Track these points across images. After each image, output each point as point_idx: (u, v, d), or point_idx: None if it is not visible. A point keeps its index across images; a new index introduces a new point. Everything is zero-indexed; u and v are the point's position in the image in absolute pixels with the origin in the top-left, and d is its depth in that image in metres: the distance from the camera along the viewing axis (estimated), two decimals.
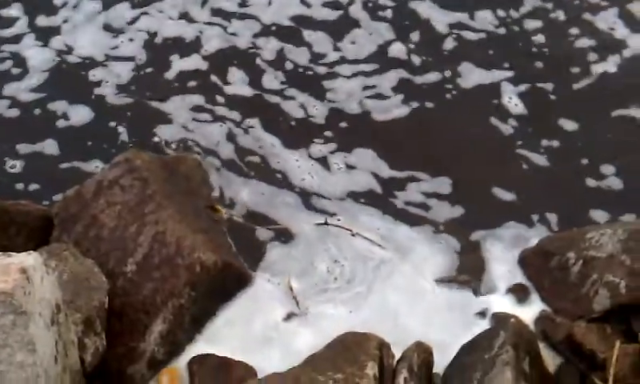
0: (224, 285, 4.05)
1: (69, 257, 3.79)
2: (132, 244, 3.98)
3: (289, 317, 4.05)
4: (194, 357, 3.85)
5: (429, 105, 5.11)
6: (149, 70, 5.45)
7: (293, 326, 4.02)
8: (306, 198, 4.63)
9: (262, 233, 4.42)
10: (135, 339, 3.79)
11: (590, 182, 4.65)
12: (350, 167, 4.79)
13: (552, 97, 5.11)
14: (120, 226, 4.06)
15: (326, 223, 4.41)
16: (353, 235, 4.37)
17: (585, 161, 4.76)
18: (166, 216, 4.04)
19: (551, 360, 3.79)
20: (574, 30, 5.54)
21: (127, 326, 3.82)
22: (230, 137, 4.99)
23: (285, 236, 4.42)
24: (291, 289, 4.14)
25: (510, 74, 5.25)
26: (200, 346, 3.91)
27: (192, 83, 5.34)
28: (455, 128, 4.96)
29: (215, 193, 4.60)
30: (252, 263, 4.27)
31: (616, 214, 4.45)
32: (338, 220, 4.46)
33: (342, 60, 5.41)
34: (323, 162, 4.83)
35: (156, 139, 4.94)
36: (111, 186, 4.20)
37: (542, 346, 3.78)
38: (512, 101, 5.08)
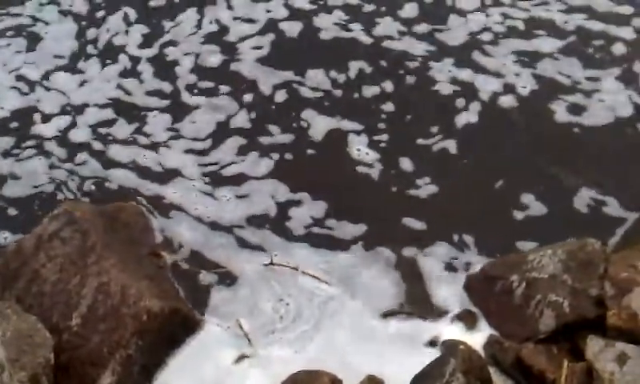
0: (172, 331, 4.01)
1: (11, 314, 3.72)
2: (75, 297, 3.93)
3: (239, 359, 4.03)
4: None
5: (288, 157, 5.11)
6: None
7: (243, 369, 3.99)
8: (238, 234, 4.64)
9: (207, 275, 4.39)
10: None
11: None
12: (240, 197, 4.86)
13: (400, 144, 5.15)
14: (62, 280, 4.00)
15: (271, 263, 4.41)
16: (296, 269, 4.38)
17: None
18: (109, 266, 3.99)
19: None
20: (412, 82, 5.57)
21: (75, 381, 3.77)
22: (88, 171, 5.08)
23: (229, 277, 4.40)
24: (241, 327, 4.12)
25: (355, 125, 5.26)
26: None
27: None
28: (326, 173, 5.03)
29: (157, 238, 4.58)
30: (199, 307, 4.25)
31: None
32: (275, 255, 4.46)
33: (179, 137, 5.30)
34: (207, 194, 4.89)
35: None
36: (51, 239, 4.15)
37: (492, 370, 3.82)
38: (362, 150, 5.08)
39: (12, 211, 4.86)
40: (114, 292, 3.91)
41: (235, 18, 6.09)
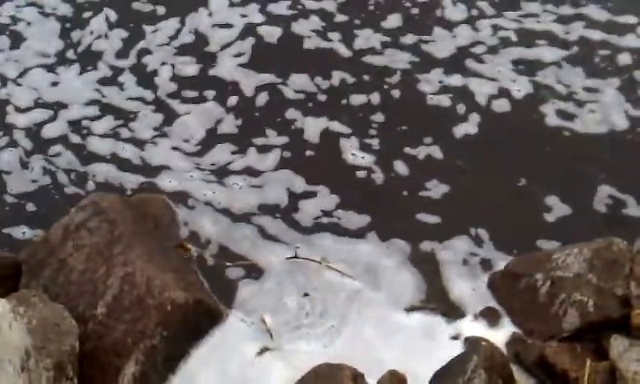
0: (196, 323, 4.04)
1: (38, 302, 3.76)
2: (102, 286, 3.97)
3: (263, 353, 4.03)
4: None
5: (282, 161, 5.12)
6: None
7: (267, 362, 4.00)
8: (261, 226, 4.69)
9: (232, 268, 4.42)
10: (108, 382, 3.77)
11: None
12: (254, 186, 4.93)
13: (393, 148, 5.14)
14: (89, 269, 4.04)
15: (295, 256, 4.43)
16: (320, 263, 4.40)
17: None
18: (135, 256, 4.03)
19: (525, 382, 3.81)
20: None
21: (99, 370, 3.80)
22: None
23: (254, 270, 4.43)
24: (264, 323, 4.13)
25: (347, 130, 5.27)
26: None
27: None
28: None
29: (183, 230, 4.61)
30: (224, 300, 4.26)
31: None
32: (297, 247, 4.49)
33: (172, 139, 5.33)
34: (218, 181, 4.96)
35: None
36: (78, 229, 4.20)
37: (514, 368, 3.80)
38: (357, 155, 5.09)
39: (29, 206, 4.93)
40: (140, 282, 3.94)
41: (214, 25, 6.13)
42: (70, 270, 4.06)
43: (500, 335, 4.00)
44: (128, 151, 5.22)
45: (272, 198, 4.86)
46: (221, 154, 5.18)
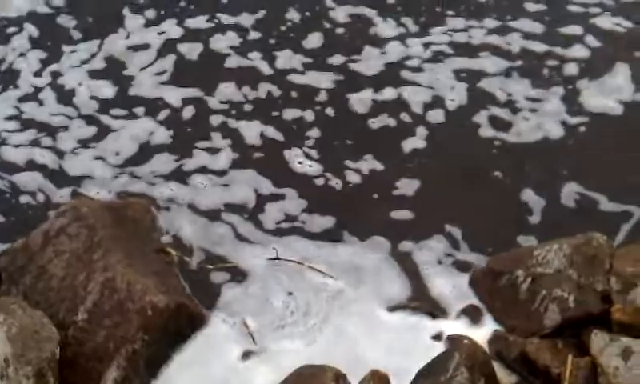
0: (178, 327, 4.02)
1: (17, 310, 3.74)
2: (82, 292, 3.95)
3: (246, 355, 4.03)
4: None
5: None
6: None
7: (250, 365, 4.00)
8: (236, 226, 4.68)
9: (214, 271, 4.41)
10: None
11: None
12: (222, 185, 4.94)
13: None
14: (69, 275, 4.02)
15: (277, 258, 4.42)
16: (302, 264, 4.39)
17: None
18: (115, 261, 4.01)
19: (507, 379, 3.82)
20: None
21: (81, 376, 3.79)
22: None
23: (236, 272, 4.41)
24: (246, 326, 4.13)
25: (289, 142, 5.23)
26: None
27: None
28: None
29: (164, 234, 4.59)
30: (206, 303, 4.24)
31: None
32: (273, 248, 4.47)
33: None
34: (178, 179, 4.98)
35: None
36: (58, 234, 4.18)
37: (496, 365, 3.82)
38: (304, 163, 5.07)
39: None
40: (120, 287, 3.92)
41: (129, 48, 6.02)
42: (50, 276, 4.04)
43: (482, 333, 4.01)
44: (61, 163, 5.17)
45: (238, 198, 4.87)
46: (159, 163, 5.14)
